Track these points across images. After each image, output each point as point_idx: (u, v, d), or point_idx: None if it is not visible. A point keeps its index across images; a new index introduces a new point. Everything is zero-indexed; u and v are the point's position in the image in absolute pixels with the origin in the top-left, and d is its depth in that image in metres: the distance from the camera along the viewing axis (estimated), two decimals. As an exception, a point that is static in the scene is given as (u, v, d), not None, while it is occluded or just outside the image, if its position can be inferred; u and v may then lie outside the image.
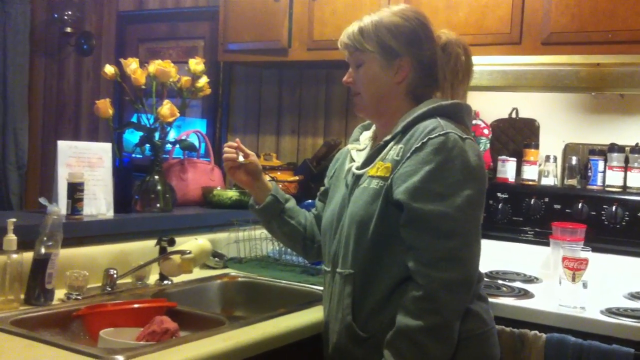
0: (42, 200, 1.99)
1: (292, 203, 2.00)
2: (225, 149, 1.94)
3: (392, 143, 1.72)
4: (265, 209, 1.95)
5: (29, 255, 1.88)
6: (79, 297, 1.96)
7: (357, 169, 1.78)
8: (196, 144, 2.98)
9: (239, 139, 1.97)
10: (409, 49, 1.74)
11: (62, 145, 2.31)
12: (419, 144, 1.63)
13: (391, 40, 1.74)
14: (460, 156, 1.61)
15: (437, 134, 1.62)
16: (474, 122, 2.78)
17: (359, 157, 1.83)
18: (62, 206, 2.15)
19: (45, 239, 1.88)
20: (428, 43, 1.76)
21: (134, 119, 2.68)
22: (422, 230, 1.58)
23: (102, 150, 2.38)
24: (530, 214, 2.70)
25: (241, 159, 1.92)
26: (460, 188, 1.58)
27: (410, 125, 1.70)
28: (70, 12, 4.14)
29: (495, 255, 2.64)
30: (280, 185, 2.77)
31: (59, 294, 1.95)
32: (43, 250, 1.88)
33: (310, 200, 2.65)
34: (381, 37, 1.74)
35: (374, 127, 1.90)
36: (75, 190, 2.18)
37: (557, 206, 2.65)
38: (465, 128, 1.72)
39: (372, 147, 1.80)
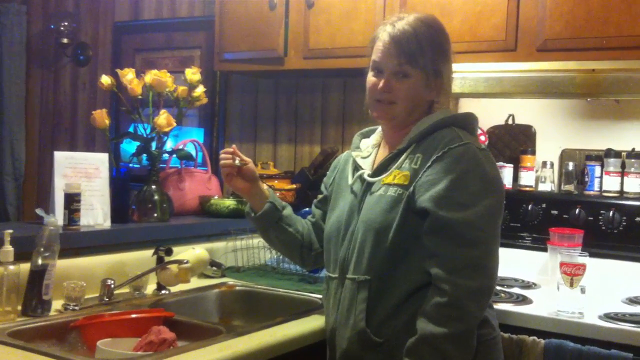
0: (39, 211, 1.99)
1: (289, 210, 2.00)
2: (222, 155, 1.95)
3: (407, 151, 1.72)
4: (262, 217, 1.95)
5: (26, 267, 1.87)
6: (76, 307, 1.95)
7: (370, 176, 1.78)
8: (193, 153, 2.98)
9: (235, 145, 1.97)
10: (446, 70, 1.75)
11: (59, 155, 2.31)
12: (440, 153, 1.64)
13: (439, 63, 1.73)
14: (480, 167, 1.64)
15: (457, 144, 1.64)
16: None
17: (365, 164, 1.82)
18: (59, 217, 2.15)
19: (42, 249, 1.88)
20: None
21: (131, 129, 2.68)
22: (447, 238, 1.59)
23: (99, 161, 2.39)
24: (527, 220, 2.70)
25: (238, 162, 1.92)
26: (483, 197, 1.61)
27: (426, 134, 1.71)
28: (66, 23, 4.14)
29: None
30: (278, 194, 2.77)
31: (57, 304, 1.95)
32: (40, 261, 1.88)
33: (307, 209, 2.64)
34: (434, 58, 1.72)
35: (375, 135, 1.89)
36: (72, 200, 2.18)
37: (554, 212, 2.65)
38: (477, 139, 1.74)
39: (386, 155, 1.79)
